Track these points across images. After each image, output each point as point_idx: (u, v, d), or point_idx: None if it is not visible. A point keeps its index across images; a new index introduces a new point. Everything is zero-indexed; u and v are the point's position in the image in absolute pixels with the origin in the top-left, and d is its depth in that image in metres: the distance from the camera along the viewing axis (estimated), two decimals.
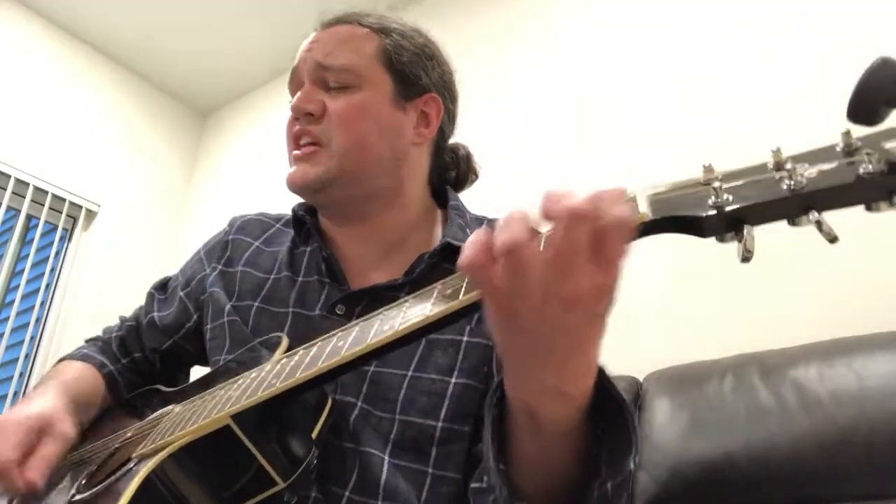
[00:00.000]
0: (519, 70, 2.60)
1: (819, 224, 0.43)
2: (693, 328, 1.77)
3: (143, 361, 1.07)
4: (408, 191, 0.97)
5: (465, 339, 0.83)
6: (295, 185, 0.92)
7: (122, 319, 1.14)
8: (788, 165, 0.44)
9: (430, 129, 0.98)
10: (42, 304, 3.06)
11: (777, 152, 0.46)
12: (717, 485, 1.26)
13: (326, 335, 0.68)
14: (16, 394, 2.84)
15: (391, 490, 0.76)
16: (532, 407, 0.55)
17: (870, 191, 0.43)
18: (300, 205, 1.03)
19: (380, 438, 0.79)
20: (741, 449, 1.25)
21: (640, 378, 1.54)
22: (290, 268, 0.97)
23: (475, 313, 0.54)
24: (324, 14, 1.01)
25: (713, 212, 0.45)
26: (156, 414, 0.84)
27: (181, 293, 1.06)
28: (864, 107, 0.45)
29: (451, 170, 1.08)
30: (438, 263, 0.90)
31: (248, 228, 1.08)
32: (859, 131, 0.45)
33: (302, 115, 0.92)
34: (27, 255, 3.06)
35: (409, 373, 0.82)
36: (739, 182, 0.46)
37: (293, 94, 0.96)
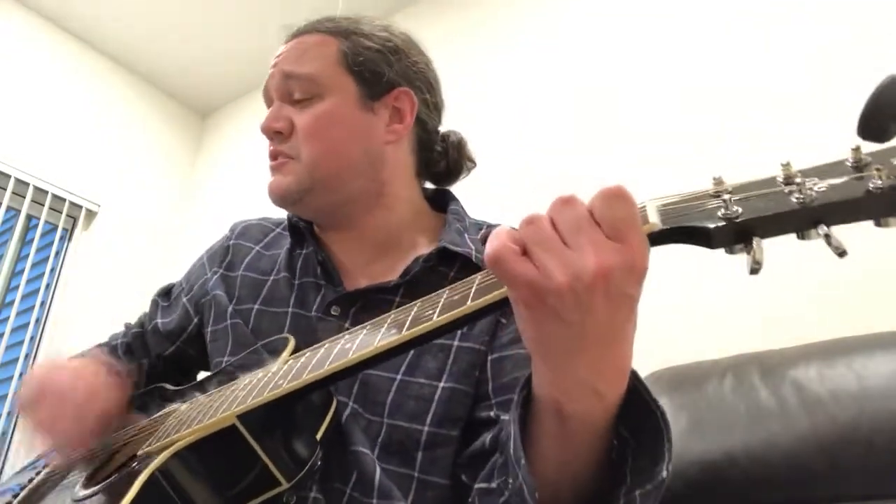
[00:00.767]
0: (517, 66, 2.60)
1: (828, 238, 0.43)
2: (693, 328, 1.77)
3: (149, 366, 1.08)
4: (391, 190, 0.96)
5: (455, 343, 0.83)
6: (273, 195, 0.94)
7: (128, 326, 1.15)
8: (798, 179, 0.45)
9: (404, 125, 0.97)
10: (42, 304, 3.06)
11: (787, 166, 0.46)
12: (717, 485, 1.26)
13: (334, 337, 0.68)
14: (16, 394, 2.83)
15: (385, 491, 0.76)
16: (562, 405, 0.55)
17: (879, 206, 0.43)
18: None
19: (368, 440, 0.79)
20: (741, 449, 1.25)
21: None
22: (289, 269, 0.98)
23: (483, 318, 0.54)
24: (287, 28, 1.03)
25: (723, 223, 0.46)
26: (161, 412, 0.84)
27: (184, 299, 1.07)
28: (874, 124, 0.45)
29: (441, 160, 1.06)
30: (434, 267, 0.90)
31: (248, 233, 1.08)
32: (868, 147, 0.45)
33: (272, 135, 0.94)
34: (27, 255, 3.06)
35: (399, 376, 0.82)
36: (749, 194, 0.46)
37: (269, 109, 0.97)
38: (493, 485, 0.70)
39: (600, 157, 2.18)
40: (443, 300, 0.58)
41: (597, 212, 0.47)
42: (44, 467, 0.94)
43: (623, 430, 0.59)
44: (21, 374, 2.88)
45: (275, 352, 0.78)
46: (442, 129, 1.06)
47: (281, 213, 1.12)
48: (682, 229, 0.48)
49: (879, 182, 0.42)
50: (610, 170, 2.12)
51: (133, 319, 1.17)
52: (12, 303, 2.95)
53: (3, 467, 2.66)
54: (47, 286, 3.11)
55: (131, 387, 0.99)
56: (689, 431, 1.33)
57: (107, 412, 0.86)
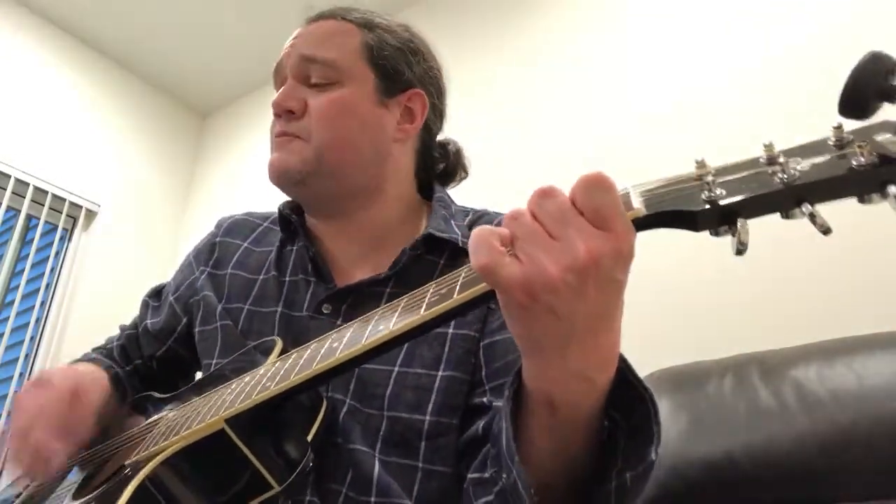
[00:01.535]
0: (517, 66, 2.59)
1: (812, 216, 0.43)
2: (693, 328, 1.77)
3: (144, 368, 1.08)
4: (389, 188, 0.96)
5: (450, 330, 0.83)
6: (274, 172, 0.91)
7: (122, 328, 1.14)
8: (781, 159, 0.45)
9: (413, 125, 0.97)
10: (42, 304, 3.06)
11: (769, 146, 0.46)
12: (717, 484, 1.26)
13: (321, 337, 0.67)
14: (16, 394, 2.83)
15: (384, 487, 0.76)
16: (553, 396, 0.54)
17: (862, 183, 0.43)
18: (286, 203, 1.02)
19: (369, 435, 0.79)
20: (741, 449, 1.25)
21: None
22: (278, 267, 0.97)
23: (470, 311, 0.54)
24: (309, 10, 1.00)
25: (707, 206, 0.45)
26: (149, 420, 0.84)
27: (171, 298, 1.06)
28: (855, 101, 0.45)
29: (440, 163, 1.06)
30: (422, 255, 0.90)
31: (235, 230, 1.07)
32: (851, 125, 0.45)
33: (283, 113, 0.92)
34: (27, 255, 3.06)
35: (396, 368, 0.81)
36: (732, 176, 0.46)
37: (277, 89, 0.96)
38: (486, 475, 0.69)
39: (601, 154, 2.17)
40: (429, 294, 0.57)
41: (579, 200, 0.47)
42: (32, 480, 0.93)
43: (614, 414, 0.59)
44: (21, 374, 2.88)
45: (263, 354, 0.77)
46: (440, 136, 1.06)
47: (269, 203, 1.12)
48: (666, 214, 0.47)
49: (862, 159, 0.42)
50: (610, 168, 2.11)
51: (130, 321, 1.16)
52: (12, 303, 2.95)
53: (3, 467, 2.67)
54: (47, 286, 3.11)
55: (121, 394, 1.00)
56: (689, 431, 1.33)
57: (91, 425, 0.85)
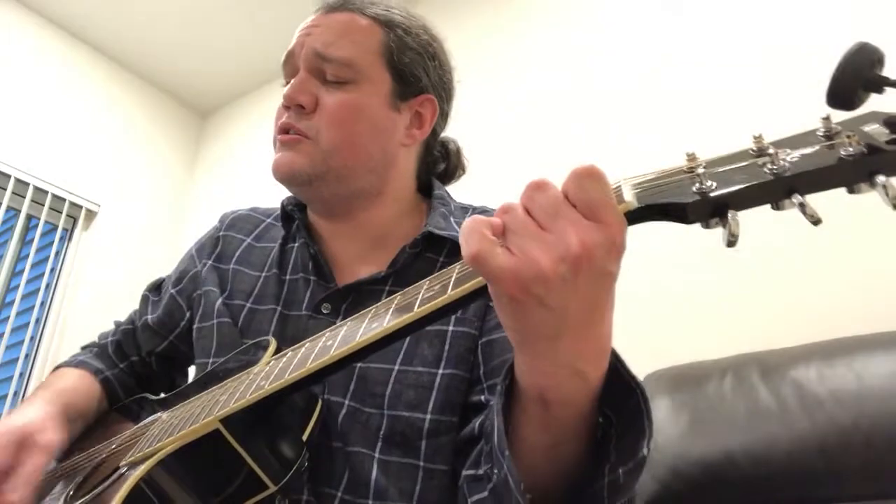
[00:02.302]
0: (522, 59, 2.59)
1: (802, 207, 0.44)
2: (693, 328, 1.76)
3: (141, 364, 1.06)
4: (392, 190, 0.95)
5: (450, 328, 0.82)
6: (280, 173, 0.89)
7: (117, 324, 1.13)
8: (770, 150, 0.45)
9: (422, 131, 0.96)
10: (42, 304, 3.06)
11: (759, 138, 0.46)
12: (717, 484, 1.26)
13: (315, 336, 0.67)
14: (16, 394, 2.84)
15: (381, 489, 0.75)
16: (545, 391, 0.54)
17: (851, 172, 0.43)
18: (289, 199, 1.01)
19: (369, 436, 0.78)
20: (741, 449, 1.25)
21: (640, 378, 1.53)
22: (279, 265, 0.96)
23: (464, 307, 0.53)
24: None
25: (697, 198, 0.46)
26: (144, 422, 0.83)
27: (172, 290, 1.05)
28: (843, 92, 0.46)
29: (439, 164, 1.06)
30: (421, 253, 0.89)
31: (238, 224, 1.07)
32: (839, 116, 0.46)
33: (293, 106, 0.89)
34: (27, 255, 3.06)
35: (396, 367, 0.81)
36: (722, 168, 0.46)
37: (287, 77, 0.94)
38: (480, 472, 0.69)
39: (605, 148, 2.17)
40: (423, 291, 0.57)
41: (571, 192, 0.47)
42: None
43: (606, 410, 0.59)
44: (21, 374, 2.88)
45: (257, 354, 0.77)
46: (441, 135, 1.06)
47: (269, 203, 1.11)
48: (657, 206, 0.47)
49: (851, 149, 0.43)
50: (613, 161, 2.11)
51: (124, 318, 1.15)
52: (12, 303, 2.95)
53: None
54: (47, 286, 3.11)
55: (105, 405, 0.98)
56: (689, 431, 1.33)
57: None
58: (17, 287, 3.00)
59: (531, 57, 2.57)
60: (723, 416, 1.31)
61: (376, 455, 0.77)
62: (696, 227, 0.48)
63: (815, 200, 0.44)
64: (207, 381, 0.80)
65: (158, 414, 0.82)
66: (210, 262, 1.02)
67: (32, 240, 3.08)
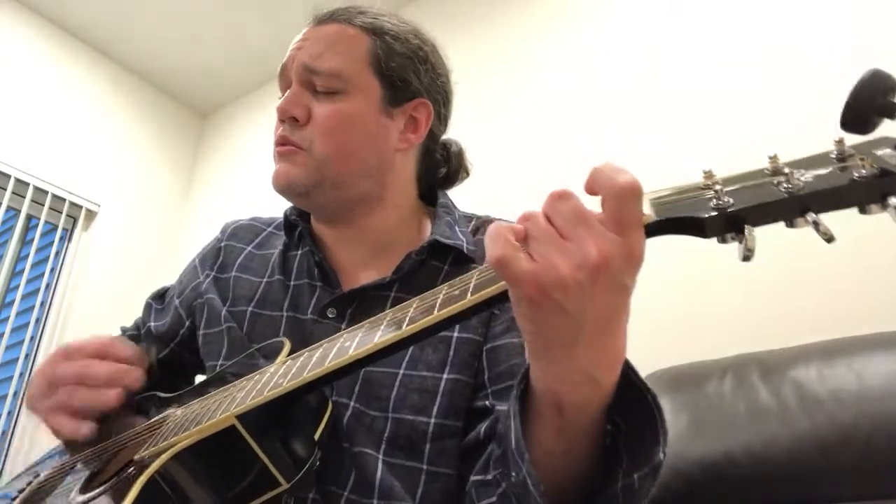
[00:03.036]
0: (527, 61, 2.60)
1: (816, 225, 0.45)
2: (693, 328, 1.77)
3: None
4: (391, 195, 0.96)
5: (455, 334, 0.83)
6: (278, 185, 0.91)
7: (123, 329, 1.14)
8: (785, 170, 0.47)
9: (417, 135, 0.97)
10: (42, 304, 3.06)
11: (774, 158, 0.48)
12: (717, 484, 1.26)
13: (332, 337, 0.68)
14: (16, 394, 2.83)
15: (386, 490, 0.76)
16: (560, 397, 0.55)
17: (863, 193, 0.45)
18: (292, 208, 1.03)
19: (373, 438, 0.79)
20: (741, 449, 1.25)
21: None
22: (283, 272, 0.97)
23: (481, 312, 0.54)
24: (317, 9, 0.98)
25: (715, 213, 0.47)
26: (157, 417, 0.84)
27: (176, 301, 1.06)
28: (856, 117, 0.48)
29: (442, 167, 1.06)
30: (426, 260, 0.90)
31: (240, 234, 1.08)
32: (852, 140, 0.47)
33: (287, 119, 0.91)
34: (27, 255, 3.06)
35: (401, 371, 0.82)
36: (739, 186, 0.48)
37: (282, 90, 0.95)
38: (489, 476, 0.70)
39: (610, 151, 2.18)
40: (442, 296, 0.58)
41: (608, 206, 0.48)
42: (35, 476, 0.93)
43: (616, 417, 0.60)
44: (21, 374, 2.88)
45: (271, 355, 0.78)
46: (442, 138, 1.06)
47: (272, 213, 1.12)
48: (676, 220, 0.49)
49: (863, 171, 0.44)
50: (618, 160, 2.12)
51: (130, 321, 1.17)
52: (12, 303, 2.95)
53: (2, 467, 2.66)
54: (47, 286, 3.11)
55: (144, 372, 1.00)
56: (689, 431, 1.33)
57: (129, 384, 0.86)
58: (17, 287, 3.00)
59: (536, 58, 2.57)
60: (723, 416, 1.31)
61: (381, 457, 0.78)
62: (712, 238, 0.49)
63: (827, 212, 0.46)
64: (218, 381, 0.81)
65: (171, 410, 0.83)
66: (213, 273, 1.03)
67: (32, 240, 3.08)
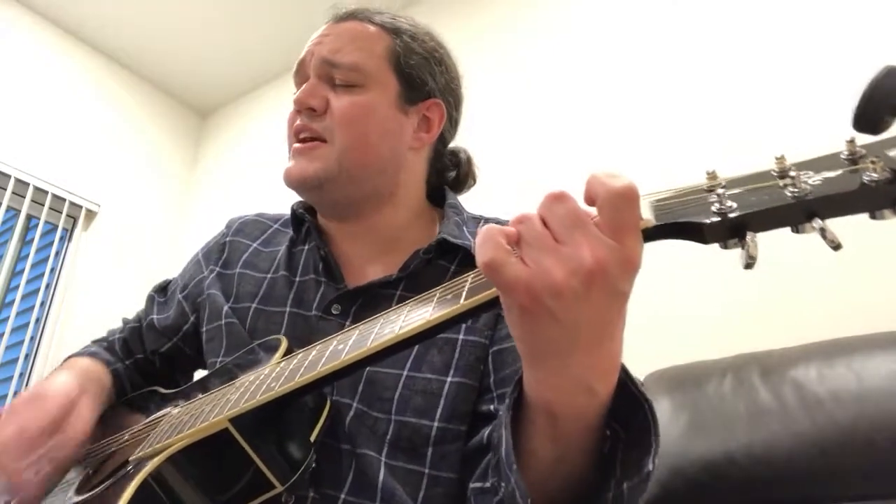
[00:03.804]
0: (529, 61, 2.59)
1: (823, 231, 0.43)
2: (693, 328, 1.77)
3: (145, 362, 1.07)
4: (402, 193, 0.97)
5: (460, 337, 0.83)
6: (292, 180, 0.91)
7: (125, 321, 1.14)
8: (792, 173, 0.44)
9: (430, 135, 0.98)
10: (42, 304, 3.06)
11: (781, 159, 0.46)
12: (717, 484, 1.26)
13: (326, 338, 0.68)
14: (16, 394, 2.83)
15: (388, 492, 0.76)
16: (553, 405, 0.54)
17: (874, 198, 0.42)
18: (299, 203, 1.03)
19: (375, 439, 0.79)
20: (741, 449, 1.25)
21: (641, 378, 1.54)
22: (288, 267, 0.97)
23: (477, 315, 0.53)
24: (335, 8, 1.00)
25: (717, 218, 0.45)
26: (154, 416, 0.84)
27: (179, 296, 1.06)
28: (869, 116, 0.45)
29: (451, 171, 1.08)
30: (434, 260, 0.90)
31: (245, 230, 1.08)
32: (863, 139, 0.45)
33: (304, 110, 0.92)
34: (27, 255, 3.06)
35: (405, 372, 0.81)
36: (743, 189, 0.46)
37: (298, 86, 0.95)
38: (488, 484, 0.69)
39: (610, 151, 2.18)
40: (436, 299, 0.57)
41: (603, 210, 0.47)
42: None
43: (615, 425, 0.59)
44: (21, 374, 2.88)
45: (269, 352, 0.78)
46: (452, 144, 1.07)
47: (278, 209, 1.12)
48: (675, 225, 0.47)
49: (875, 174, 0.42)
50: (621, 164, 2.11)
51: (132, 315, 1.16)
52: (12, 303, 2.95)
53: None
54: (47, 286, 3.11)
55: (114, 397, 0.99)
56: (689, 431, 1.33)
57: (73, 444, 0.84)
58: (17, 287, 3.00)
59: (538, 58, 2.57)
60: (723, 416, 1.31)
61: (383, 459, 0.78)
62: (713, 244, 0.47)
63: (835, 218, 0.44)
64: (218, 377, 0.81)
65: (169, 409, 0.82)
66: (217, 268, 1.03)
67: (32, 240, 3.08)
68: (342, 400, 0.81)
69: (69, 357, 1.06)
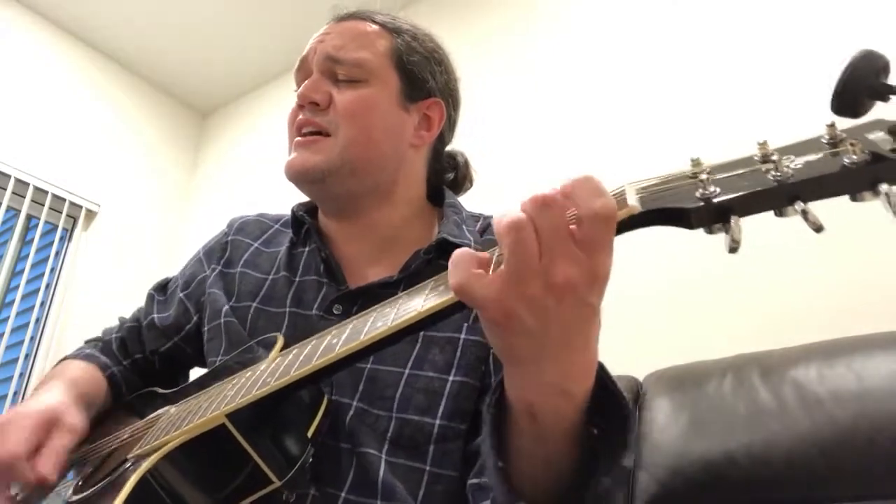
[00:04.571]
0: (537, 63, 2.60)
1: (805, 213, 0.44)
2: (693, 328, 1.77)
3: (144, 363, 1.07)
4: (401, 190, 0.98)
5: (462, 336, 0.83)
6: (293, 172, 0.92)
7: (122, 321, 1.14)
8: (775, 157, 0.45)
9: (430, 133, 0.99)
10: (42, 304, 3.06)
11: (763, 144, 0.47)
12: (717, 484, 1.26)
13: (321, 333, 0.68)
14: (16, 394, 2.84)
15: (389, 489, 0.76)
16: (533, 407, 0.56)
17: (854, 180, 0.44)
18: (300, 205, 1.03)
19: (376, 437, 0.79)
20: (741, 449, 1.25)
21: (640, 378, 1.54)
22: (289, 268, 0.97)
23: (469, 308, 0.54)
24: (337, 8, 1.02)
25: (701, 203, 0.46)
26: (152, 415, 0.84)
27: (181, 294, 1.06)
28: (848, 99, 0.46)
29: (449, 173, 1.09)
30: (434, 259, 0.90)
31: (247, 229, 1.08)
32: (843, 123, 0.46)
33: (307, 104, 0.93)
34: (27, 255, 3.06)
35: (407, 370, 0.82)
36: (726, 174, 0.47)
37: (299, 83, 0.97)
38: (484, 480, 0.71)
39: (608, 151, 2.18)
40: (428, 290, 0.58)
41: (582, 225, 0.48)
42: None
43: (598, 422, 0.60)
44: (21, 374, 2.88)
45: (265, 350, 0.78)
46: (449, 147, 1.09)
47: (279, 209, 1.12)
48: (660, 211, 0.48)
49: (854, 157, 0.43)
50: (618, 164, 2.12)
51: (129, 315, 1.16)
52: (12, 303, 2.95)
53: None
54: (47, 286, 3.11)
55: (110, 401, 0.99)
56: (689, 431, 1.33)
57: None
58: (17, 287, 3.00)
59: (545, 61, 2.57)
60: (723, 416, 1.31)
61: (384, 456, 0.78)
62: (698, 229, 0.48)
63: (817, 201, 0.45)
64: (215, 376, 0.81)
65: (166, 408, 0.82)
66: (219, 267, 1.03)
67: (32, 240, 3.09)
68: (342, 399, 0.81)
69: (63, 359, 1.06)
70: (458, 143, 1.11)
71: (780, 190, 0.44)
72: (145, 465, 0.65)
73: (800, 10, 1.93)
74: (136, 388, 1.03)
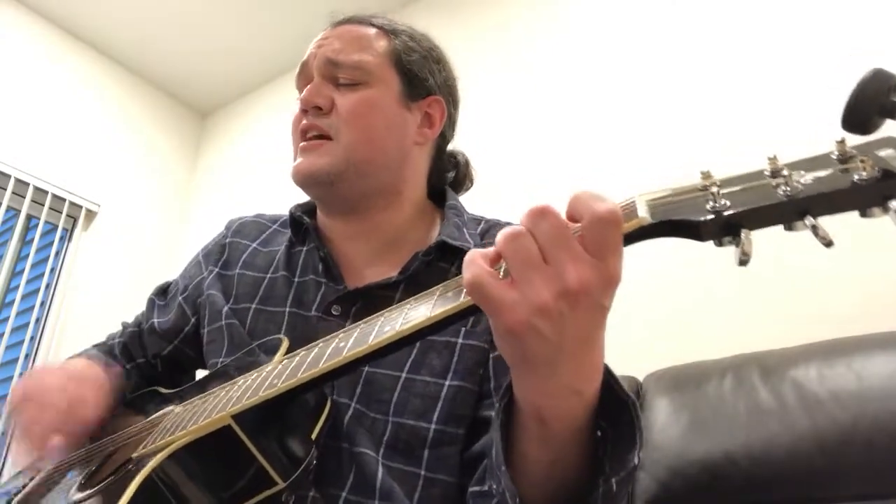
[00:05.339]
0: (534, 63, 2.60)
1: (815, 229, 0.44)
2: (693, 328, 1.77)
3: (146, 366, 1.08)
4: (407, 190, 0.98)
5: (459, 341, 0.83)
6: (301, 176, 0.93)
7: (125, 325, 1.14)
8: (785, 172, 0.46)
9: (432, 130, 1.00)
10: (42, 304, 3.06)
11: (773, 159, 0.47)
12: (717, 484, 1.26)
13: (327, 337, 0.68)
14: (5, 397, 2.83)
15: (387, 490, 0.76)
16: (543, 411, 0.56)
17: (864, 196, 0.44)
18: (298, 206, 1.04)
19: (373, 440, 0.79)
20: (741, 449, 1.25)
21: (640, 378, 1.54)
22: (287, 268, 0.97)
23: (478, 314, 0.54)
24: (334, 14, 1.04)
25: (711, 216, 0.46)
26: (156, 414, 0.84)
27: (180, 298, 1.06)
28: (858, 117, 0.46)
29: (450, 171, 1.10)
30: (434, 262, 0.91)
31: (244, 231, 1.08)
32: (853, 140, 0.46)
33: (310, 108, 0.93)
34: (27, 255, 3.06)
35: (403, 374, 0.82)
36: (736, 188, 0.47)
37: (301, 88, 0.97)
38: (486, 487, 0.71)
39: (607, 154, 2.18)
40: (437, 296, 0.58)
41: (587, 233, 0.48)
42: (37, 471, 0.94)
43: (603, 424, 0.61)
44: (21, 374, 2.88)
45: (269, 352, 0.78)
46: (449, 147, 1.10)
47: (278, 208, 1.12)
48: (671, 223, 0.48)
49: (864, 174, 0.43)
50: (617, 167, 2.12)
51: (131, 319, 1.16)
52: (12, 303, 2.95)
53: (2, 467, 2.66)
54: (47, 286, 3.10)
55: (123, 390, 1.00)
56: (689, 431, 1.33)
57: (92, 419, 0.86)
58: (17, 287, 3.00)
59: (543, 60, 2.57)
60: (723, 416, 1.31)
61: (380, 459, 0.78)
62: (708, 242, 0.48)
63: (827, 216, 0.45)
64: (218, 378, 0.81)
65: (171, 407, 0.82)
66: (217, 269, 1.03)
67: (32, 240, 3.08)
68: (341, 400, 0.81)
69: (69, 359, 1.06)
70: (455, 143, 1.12)
71: (790, 204, 0.44)
72: (150, 465, 0.65)
73: (812, 25, 1.93)
74: (140, 390, 1.03)
